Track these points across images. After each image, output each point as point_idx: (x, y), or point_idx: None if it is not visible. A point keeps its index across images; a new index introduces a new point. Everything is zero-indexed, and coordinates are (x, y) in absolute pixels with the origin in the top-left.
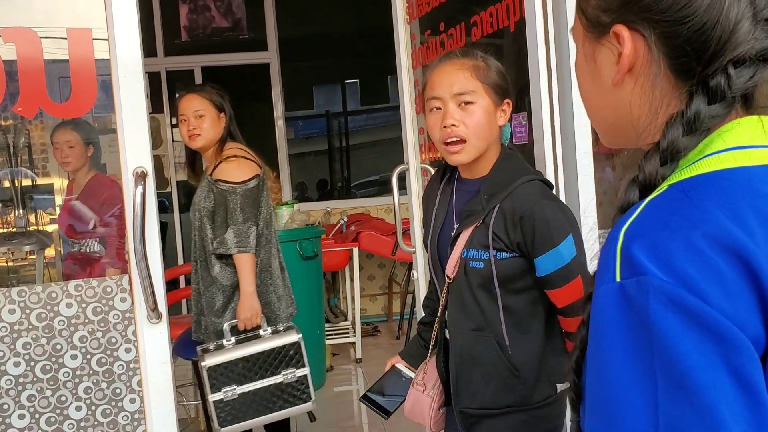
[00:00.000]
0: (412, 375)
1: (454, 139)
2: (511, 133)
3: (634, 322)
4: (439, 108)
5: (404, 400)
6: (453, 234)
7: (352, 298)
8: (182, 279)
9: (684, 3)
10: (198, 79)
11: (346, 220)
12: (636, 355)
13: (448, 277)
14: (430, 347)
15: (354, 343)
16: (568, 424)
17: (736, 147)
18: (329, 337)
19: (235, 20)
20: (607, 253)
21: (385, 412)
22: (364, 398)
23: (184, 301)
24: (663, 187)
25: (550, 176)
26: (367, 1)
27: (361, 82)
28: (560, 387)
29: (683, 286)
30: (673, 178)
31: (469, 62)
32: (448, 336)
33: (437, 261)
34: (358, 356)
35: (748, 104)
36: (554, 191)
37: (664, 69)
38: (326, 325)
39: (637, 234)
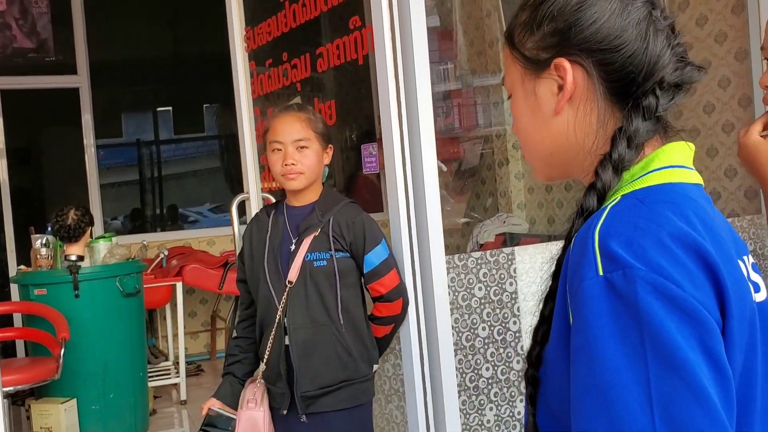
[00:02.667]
0: (230, 414)
1: (293, 174)
2: (362, 162)
3: (622, 310)
4: (280, 150)
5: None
6: (294, 244)
7: (174, 336)
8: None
9: (617, 33)
10: None
11: (167, 253)
12: (625, 340)
13: (289, 282)
14: (265, 357)
15: (177, 384)
16: (525, 416)
17: (672, 165)
18: (150, 379)
19: (40, 41)
20: (584, 251)
21: None
22: None
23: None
24: (617, 196)
25: (401, 201)
26: (185, 27)
27: (175, 110)
28: (376, 367)
29: (662, 276)
30: (624, 190)
31: (304, 115)
32: (287, 341)
33: (277, 273)
34: (183, 398)
35: (666, 129)
36: (405, 215)
37: (602, 93)
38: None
39: (611, 234)
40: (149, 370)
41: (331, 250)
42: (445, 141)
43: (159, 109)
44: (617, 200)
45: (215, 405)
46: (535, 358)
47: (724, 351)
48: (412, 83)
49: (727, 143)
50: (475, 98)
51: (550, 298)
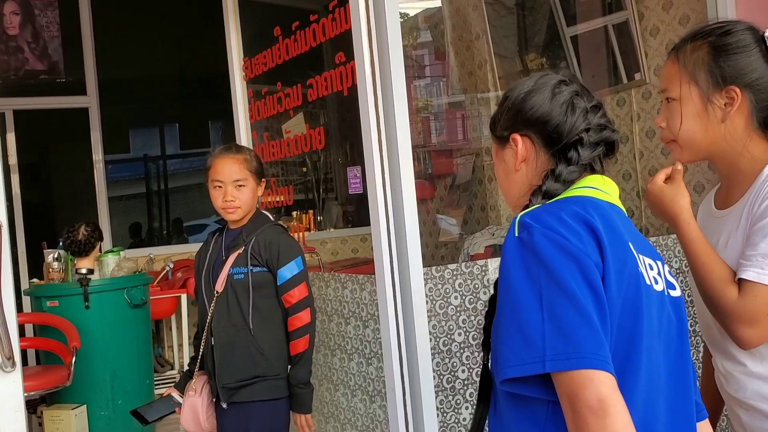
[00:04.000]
0: (177, 398)
1: (232, 209)
2: (347, 183)
3: (527, 254)
4: (221, 187)
5: (166, 414)
6: (223, 259)
7: (180, 346)
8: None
9: (547, 113)
10: (9, 124)
11: (172, 266)
12: (528, 274)
13: (217, 291)
14: (198, 358)
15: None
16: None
17: (588, 186)
18: (157, 387)
19: (51, 63)
20: (510, 228)
21: (143, 421)
22: (132, 412)
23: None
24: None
25: (382, 218)
26: (189, 45)
27: (181, 126)
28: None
29: (553, 231)
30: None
31: (241, 157)
32: (213, 342)
33: (210, 284)
34: None
35: (594, 170)
36: (385, 231)
37: (543, 152)
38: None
39: (527, 214)
40: (155, 379)
41: (248, 266)
42: (439, 157)
43: (166, 125)
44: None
45: (174, 393)
46: (484, 330)
47: (599, 278)
48: (390, 111)
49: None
50: (466, 115)
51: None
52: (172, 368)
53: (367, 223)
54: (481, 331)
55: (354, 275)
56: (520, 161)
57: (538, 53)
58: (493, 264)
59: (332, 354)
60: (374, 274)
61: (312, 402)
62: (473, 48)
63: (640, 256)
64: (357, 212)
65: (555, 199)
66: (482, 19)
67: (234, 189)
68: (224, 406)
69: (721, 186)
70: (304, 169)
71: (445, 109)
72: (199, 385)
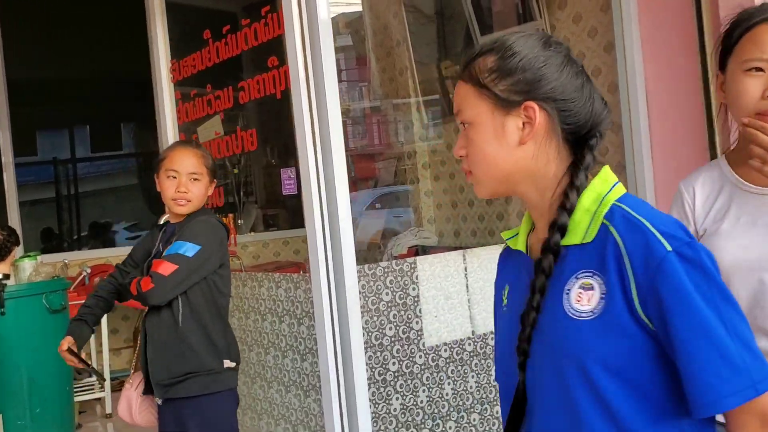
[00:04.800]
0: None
1: (183, 201)
2: (282, 185)
3: (693, 271)
4: (175, 177)
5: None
6: (160, 253)
7: (99, 352)
8: None
9: (572, 92)
10: None
11: (89, 271)
12: (702, 294)
13: None
14: (136, 351)
15: (101, 398)
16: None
17: (616, 182)
18: (77, 394)
19: None
20: (643, 236)
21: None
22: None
23: None
24: (609, 202)
25: (317, 218)
26: (101, 46)
27: (92, 128)
28: (227, 363)
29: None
30: (609, 199)
31: (199, 152)
32: (146, 338)
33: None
34: (108, 411)
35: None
36: (320, 230)
37: (559, 132)
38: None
39: (655, 223)
40: (75, 386)
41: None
42: (362, 161)
43: (76, 127)
44: (615, 204)
45: (71, 342)
46: (528, 336)
47: None
48: (324, 115)
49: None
50: (388, 121)
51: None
52: (90, 375)
53: (289, 227)
54: (519, 348)
55: (289, 275)
56: (532, 135)
57: (454, 61)
58: (423, 262)
59: (266, 352)
60: (307, 273)
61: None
62: (394, 54)
63: None
64: (278, 216)
65: (606, 195)
66: (403, 26)
67: (188, 181)
68: (159, 402)
69: (747, 156)
70: (236, 171)
71: (367, 113)
72: (136, 379)
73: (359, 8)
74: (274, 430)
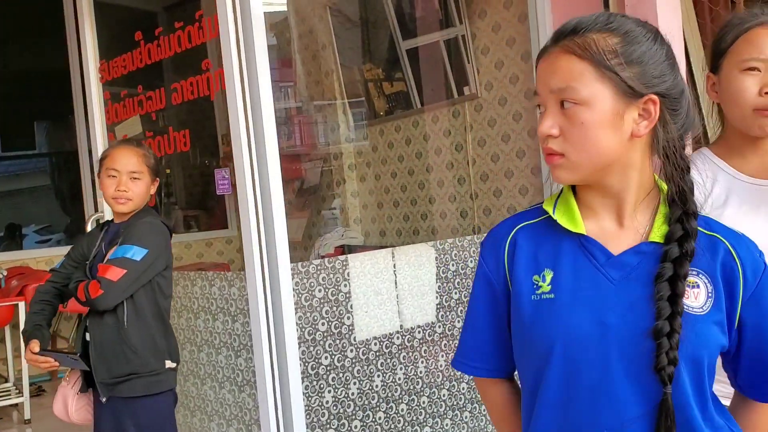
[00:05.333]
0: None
1: (123, 200)
2: (215, 185)
3: None
4: (115, 176)
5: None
6: (103, 254)
7: (15, 357)
8: None
9: (679, 93)
10: None
11: (5, 273)
12: None
13: None
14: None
15: (17, 404)
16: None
17: None
18: None
19: None
20: (749, 246)
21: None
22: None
23: None
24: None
25: (252, 217)
26: (17, 42)
27: (2, 127)
28: (168, 364)
29: None
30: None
31: (141, 151)
32: (88, 337)
33: (90, 275)
34: (27, 417)
35: None
36: (255, 229)
37: (658, 131)
38: None
39: (748, 238)
40: None
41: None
42: (288, 162)
43: None
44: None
45: (37, 344)
46: (675, 345)
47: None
48: (258, 116)
49: (520, 167)
50: (314, 122)
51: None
52: (6, 381)
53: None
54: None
55: (223, 273)
56: (648, 130)
57: (376, 65)
58: (354, 260)
59: (199, 350)
60: (243, 270)
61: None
62: (320, 57)
63: None
64: (199, 217)
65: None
66: (328, 30)
67: (128, 180)
68: (103, 400)
69: (744, 156)
70: (168, 171)
71: (293, 114)
72: (73, 377)
73: (284, 8)
74: (207, 426)
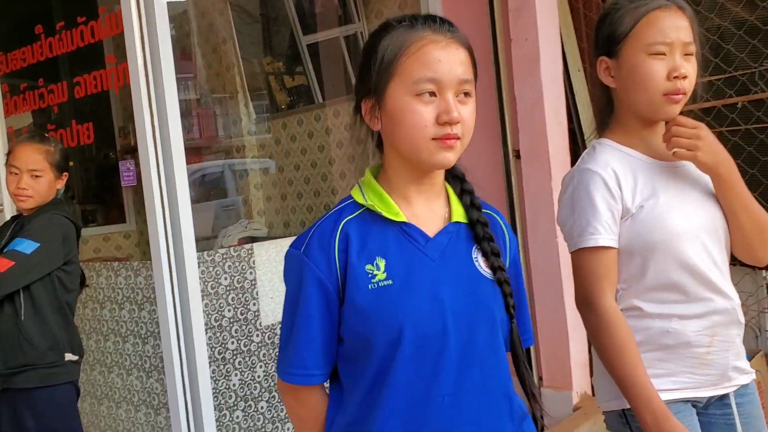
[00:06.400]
0: None
1: (23, 197)
2: (120, 177)
3: None
4: (17, 174)
5: None
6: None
7: None
8: None
9: None
10: None
11: None
12: None
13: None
14: None
15: None
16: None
17: None
18: None
19: None
20: (509, 228)
21: None
22: None
23: None
24: None
25: (158, 207)
26: None
27: None
28: (68, 356)
29: None
30: None
31: (43, 147)
32: None
33: None
34: None
35: None
36: (161, 219)
37: None
38: None
39: None
40: None
41: None
42: (189, 155)
43: None
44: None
45: None
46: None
47: None
48: (163, 109)
49: None
50: (216, 115)
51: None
52: None
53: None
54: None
55: (128, 263)
56: None
57: (277, 59)
58: (259, 248)
59: (105, 339)
60: (149, 260)
61: None
62: (220, 51)
63: None
64: (96, 211)
65: None
66: (229, 24)
67: (29, 177)
68: None
69: (644, 139)
70: (71, 163)
71: (195, 107)
72: None
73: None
74: (115, 413)
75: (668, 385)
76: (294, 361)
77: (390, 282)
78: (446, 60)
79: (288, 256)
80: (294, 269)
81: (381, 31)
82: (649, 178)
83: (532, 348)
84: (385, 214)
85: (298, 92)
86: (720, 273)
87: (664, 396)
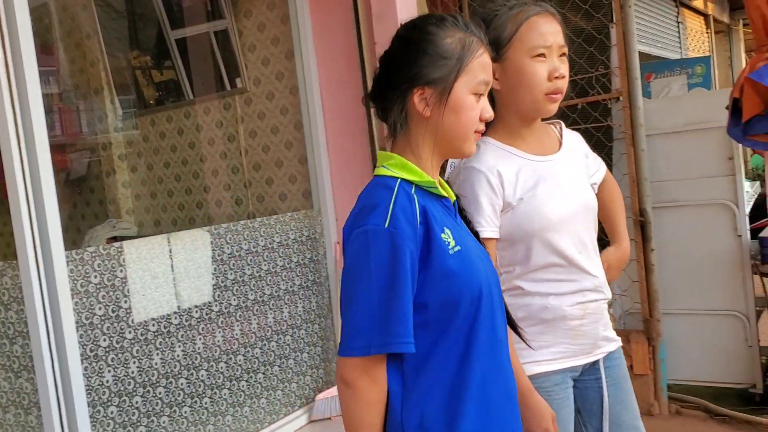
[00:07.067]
0: None
1: None
2: None
3: None
4: None
5: None
6: None
7: None
8: None
9: None
10: None
11: None
12: None
13: None
14: None
15: None
16: None
17: None
18: None
19: None
20: None
21: None
22: None
23: None
24: None
25: (23, 206)
26: None
27: None
28: None
29: None
30: None
31: None
32: None
33: None
34: None
35: None
36: (27, 218)
37: None
38: None
39: None
40: None
41: None
42: (53, 152)
43: None
44: None
45: None
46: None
47: None
48: (26, 107)
49: (288, 157)
50: (80, 111)
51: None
52: None
53: None
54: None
55: None
56: None
57: (144, 53)
58: (129, 246)
59: None
60: (15, 260)
61: None
62: (84, 46)
63: None
64: None
65: None
66: (92, 19)
67: None
68: None
69: (524, 137)
70: None
71: (57, 103)
72: None
73: None
74: None
75: (548, 356)
76: (394, 330)
77: (459, 248)
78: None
79: (373, 232)
80: (384, 244)
81: (436, 28)
82: (529, 173)
83: None
84: (432, 190)
85: (167, 88)
86: (588, 255)
87: (546, 368)
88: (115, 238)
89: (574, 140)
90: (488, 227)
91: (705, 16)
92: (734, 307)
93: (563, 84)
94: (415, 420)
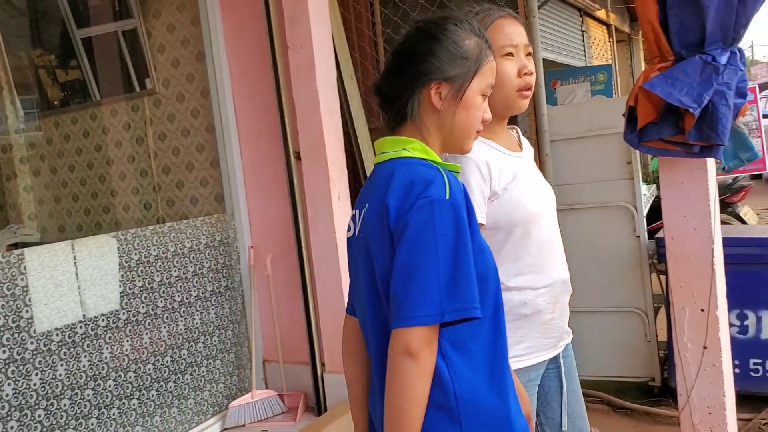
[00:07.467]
0: None
1: None
2: None
3: None
4: None
5: None
6: None
7: None
8: None
9: None
10: None
11: None
12: None
13: None
14: None
15: None
16: None
17: None
18: None
19: None
20: None
21: None
22: None
23: None
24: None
25: None
26: None
27: None
28: None
29: None
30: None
31: None
32: None
33: None
34: None
35: None
36: None
37: None
38: None
39: None
40: None
41: None
42: None
43: None
44: None
45: None
46: None
47: None
48: None
49: (200, 159)
50: None
51: None
52: None
53: None
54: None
55: None
56: None
57: (48, 51)
58: (31, 253)
59: None
60: None
61: None
62: None
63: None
64: None
65: None
66: None
67: None
68: None
69: (497, 134)
70: None
71: None
72: None
73: None
74: None
75: (523, 351)
76: (465, 296)
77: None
78: None
79: (438, 202)
80: (449, 214)
81: (458, 29)
82: (509, 167)
83: (314, 335)
84: (457, 174)
85: (73, 88)
86: (557, 250)
87: (521, 364)
88: (16, 245)
89: (528, 144)
90: (479, 212)
91: (607, 25)
92: (634, 304)
93: (532, 80)
94: (468, 393)
